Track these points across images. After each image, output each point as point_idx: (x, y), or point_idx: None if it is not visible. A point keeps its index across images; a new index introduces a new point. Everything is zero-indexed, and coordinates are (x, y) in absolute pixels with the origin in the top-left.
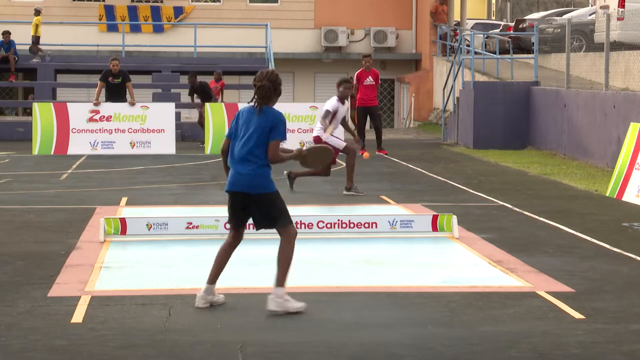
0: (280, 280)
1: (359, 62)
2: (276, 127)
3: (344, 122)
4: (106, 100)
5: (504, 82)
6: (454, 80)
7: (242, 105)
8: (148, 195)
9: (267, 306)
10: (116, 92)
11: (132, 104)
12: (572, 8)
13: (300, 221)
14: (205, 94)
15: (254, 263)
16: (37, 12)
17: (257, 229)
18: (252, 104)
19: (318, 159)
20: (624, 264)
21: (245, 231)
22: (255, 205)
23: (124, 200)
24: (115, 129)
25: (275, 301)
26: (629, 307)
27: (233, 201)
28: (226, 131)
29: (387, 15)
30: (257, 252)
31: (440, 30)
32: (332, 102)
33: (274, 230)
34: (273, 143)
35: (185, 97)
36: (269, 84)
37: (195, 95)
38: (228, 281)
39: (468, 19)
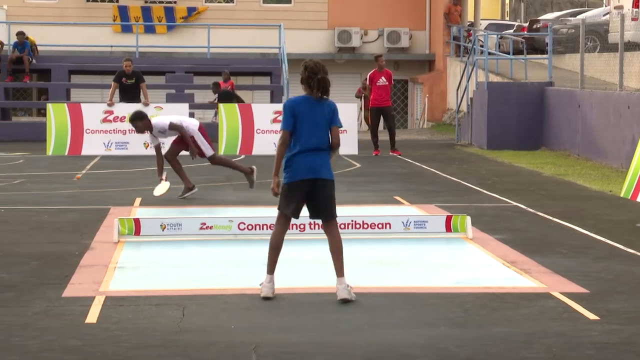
0: (342, 269)
1: (372, 62)
2: (336, 114)
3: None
4: (120, 101)
5: (518, 82)
6: (468, 81)
7: (256, 106)
8: (162, 196)
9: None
10: (130, 93)
11: (146, 104)
12: (586, 8)
13: (314, 221)
14: (229, 97)
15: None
16: None
17: (312, 218)
18: (307, 95)
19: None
20: (638, 265)
21: (251, 232)
22: (323, 191)
23: (138, 200)
24: (129, 130)
25: (347, 290)
26: None
27: (298, 189)
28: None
29: (401, 16)
30: None
31: (453, 31)
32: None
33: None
34: (336, 129)
35: (198, 97)
36: (326, 76)
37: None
38: (242, 282)
39: (482, 20)
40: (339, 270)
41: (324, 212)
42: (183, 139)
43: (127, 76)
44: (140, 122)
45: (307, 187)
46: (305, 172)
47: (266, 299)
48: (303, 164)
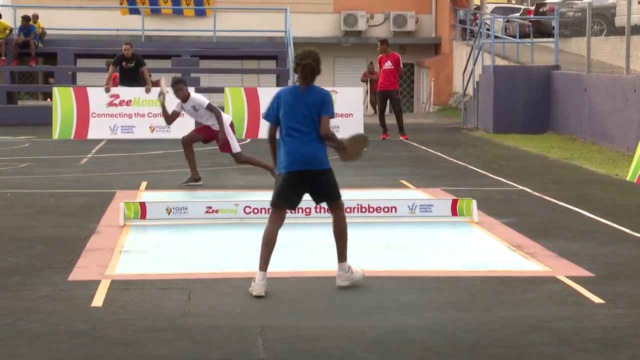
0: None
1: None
2: (326, 103)
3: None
4: (119, 85)
5: (524, 66)
6: (474, 65)
7: (262, 90)
8: (168, 180)
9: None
10: (130, 77)
11: (148, 90)
12: None
13: (320, 205)
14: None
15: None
16: None
17: (318, 203)
18: (294, 83)
19: (355, 149)
20: None
21: (257, 216)
22: (320, 180)
23: (144, 184)
24: (135, 114)
25: (345, 276)
26: None
27: (292, 180)
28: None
29: None
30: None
31: (460, 14)
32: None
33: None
34: (325, 118)
35: (204, 81)
36: (313, 62)
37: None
38: (248, 265)
39: (488, 3)
40: (342, 255)
41: (325, 199)
42: (209, 129)
43: (127, 60)
44: (184, 86)
45: (301, 177)
46: (294, 163)
47: (259, 297)
48: (290, 155)
